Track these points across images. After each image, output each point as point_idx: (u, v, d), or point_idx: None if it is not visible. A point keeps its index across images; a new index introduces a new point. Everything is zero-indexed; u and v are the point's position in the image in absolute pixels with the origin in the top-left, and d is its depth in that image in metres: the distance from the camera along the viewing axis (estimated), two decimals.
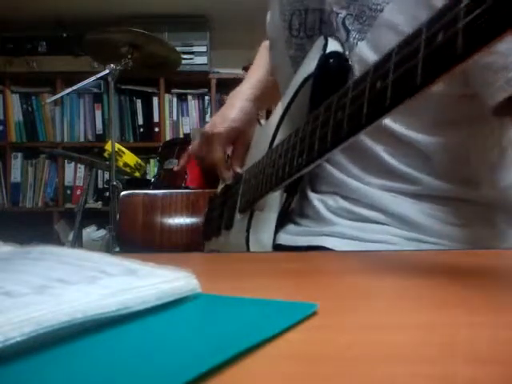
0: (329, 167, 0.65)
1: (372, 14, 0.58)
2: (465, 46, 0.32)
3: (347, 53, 0.60)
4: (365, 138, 0.61)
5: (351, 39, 0.60)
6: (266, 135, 0.72)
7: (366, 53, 0.58)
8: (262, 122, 0.89)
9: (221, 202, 0.87)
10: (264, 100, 0.89)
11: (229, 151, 0.88)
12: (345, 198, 0.63)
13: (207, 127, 0.86)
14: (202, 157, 0.87)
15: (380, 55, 0.57)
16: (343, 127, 0.45)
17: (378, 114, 0.41)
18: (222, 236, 0.82)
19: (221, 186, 0.91)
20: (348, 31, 0.60)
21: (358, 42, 0.59)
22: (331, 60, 0.59)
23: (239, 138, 0.85)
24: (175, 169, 1.51)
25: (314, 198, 0.67)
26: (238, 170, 0.83)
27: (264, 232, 0.68)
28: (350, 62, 0.59)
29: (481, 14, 0.30)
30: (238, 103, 0.85)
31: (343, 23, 0.61)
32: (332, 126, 0.47)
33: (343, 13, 0.61)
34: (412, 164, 0.60)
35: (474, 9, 0.31)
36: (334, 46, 0.60)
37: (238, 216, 0.75)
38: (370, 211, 0.61)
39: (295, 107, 0.64)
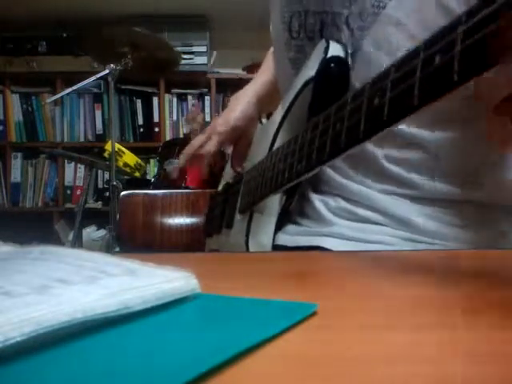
0: (329, 171, 0.65)
1: (374, 11, 0.58)
2: (460, 72, 0.32)
3: (349, 52, 0.60)
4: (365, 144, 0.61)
5: (355, 37, 0.60)
6: (266, 136, 0.72)
7: (369, 50, 0.58)
8: (264, 120, 0.89)
9: (222, 200, 0.87)
10: (267, 102, 0.89)
11: (229, 151, 0.88)
12: (346, 199, 0.63)
13: (208, 129, 0.87)
14: (197, 152, 0.87)
15: (384, 52, 0.57)
16: (341, 139, 0.45)
17: (375, 129, 0.41)
18: (223, 234, 0.82)
19: (222, 184, 0.91)
20: (351, 30, 0.60)
21: (361, 40, 0.59)
22: (332, 65, 0.59)
23: (241, 137, 0.85)
24: (174, 175, 1.51)
25: (315, 198, 0.67)
26: (239, 169, 0.83)
27: (263, 234, 0.68)
28: (351, 63, 0.59)
29: (477, 41, 0.30)
30: (240, 105, 0.86)
31: (346, 22, 0.61)
32: (331, 137, 0.48)
33: (345, 12, 0.61)
34: (413, 168, 0.60)
35: (471, 35, 0.31)
36: (335, 49, 0.60)
37: (237, 216, 0.76)
38: (369, 212, 0.61)
39: (295, 111, 0.64)
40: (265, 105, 0.89)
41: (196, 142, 0.89)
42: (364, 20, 0.59)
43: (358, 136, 0.43)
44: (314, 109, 0.58)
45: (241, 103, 0.87)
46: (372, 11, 0.58)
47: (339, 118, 0.46)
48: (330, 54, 0.59)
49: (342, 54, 0.60)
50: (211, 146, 0.85)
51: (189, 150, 0.91)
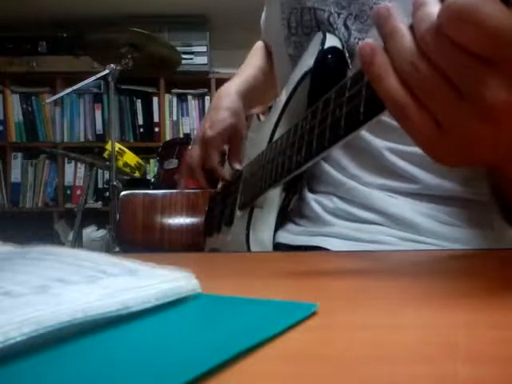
0: (326, 166, 0.65)
1: None
2: None
3: (346, 52, 0.60)
4: (364, 134, 0.61)
5: (352, 39, 0.60)
6: (264, 132, 0.72)
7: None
8: (262, 117, 0.88)
9: (221, 199, 0.87)
10: (252, 97, 0.88)
11: (225, 149, 0.87)
12: (341, 198, 0.63)
13: (198, 134, 0.85)
14: (202, 164, 0.86)
15: None
16: (341, 124, 0.45)
17: (376, 110, 0.41)
18: (223, 232, 0.82)
19: (221, 183, 0.91)
20: (349, 31, 0.60)
21: (360, 42, 0.59)
22: (329, 56, 0.59)
23: (233, 135, 0.84)
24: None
25: (311, 198, 0.67)
26: (238, 166, 0.83)
27: (264, 230, 0.68)
28: (349, 60, 0.59)
29: None
30: (223, 103, 0.83)
31: (344, 23, 0.61)
32: (330, 122, 0.47)
33: (344, 13, 0.61)
34: (416, 161, 0.59)
35: None
36: (332, 41, 0.60)
37: (238, 213, 0.75)
38: (366, 212, 0.61)
39: (294, 103, 0.64)
40: (249, 99, 0.87)
41: (193, 159, 0.87)
42: (363, 22, 0.59)
43: (359, 118, 0.42)
44: (313, 101, 0.58)
45: (225, 100, 0.84)
46: (371, 14, 0.58)
47: (338, 104, 0.46)
48: (326, 46, 0.59)
49: (338, 44, 0.60)
50: (213, 159, 0.83)
51: (190, 170, 0.88)
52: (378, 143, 0.61)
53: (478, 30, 0.28)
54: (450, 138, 0.32)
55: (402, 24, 0.34)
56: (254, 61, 0.92)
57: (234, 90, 0.85)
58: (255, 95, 0.89)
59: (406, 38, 0.33)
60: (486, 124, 0.31)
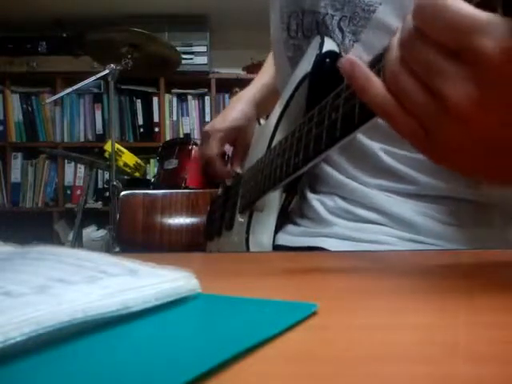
0: (327, 168, 0.65)
1: (365, 15, 0.58)
2: None
3: (343, 53, 0.60)
4: (362, 137, 0.61)
5: (346, 41, 0.60)
6: (264, 135, 0.72)
7: (360, 54, 0.58)
8: (262, 121, 0.89)
9: (222, 203, 0.87)
10: (267, 104, 0.90)
11: (229, 152, 0.88)
12: (343, 198, 0.64)
13: (207, 127, 0.88)
14: (200, 153, 0.88)
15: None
16: (337, 127, 0.45)
17: (371, 113, 0.41)
18: (223, 237, 0.82)
19: (221, 186, 0.91)
20: (343, 33, 0.60)
21: (354, 44, 0.60)
22: (327, 59, 0.60)
23: (239, 138, 0.86)
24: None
25: (313, 198, 0.67)
26: (238, 170, 0.83)
27: (264, 233, 0.68)
28: None
29: None
30: (239, 105, 0.87)
31: (338, 25, 0.61)
32: (327, 125, 0.48)
33: (338, 15, 0.61)
34: (410, 163, 0.60)
35: None
36: (330, 45, 0.60)
37: (238, 217, 0.76)
38: (367, 212, 0.61)
39: (293, 107, 0.64)
40: (265, 105, 0.90)
41: (206, 150, 0.89)
42: (355, 24, 0.59)
43: (354, 122, 0.42)
44: (311, 104, 0.58)
45: (240, 103, 0.88)
46: (363, 15, 0.58)
47: (335, 107, 0.46)
48: (324, 50, 0.59)
49: (336, 48, 0.60)
50: (213, 148, 0.85)
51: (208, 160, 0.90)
52: (374, 145, 0.61)
53: (448, 24, 0.28)
54: (436, 143, 0.32)
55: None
56: (270, 68, 0.94)
57: (251, 96, 0.89)
58: (267, 102, 0.91)
59: (391, 52, 0.34)
60: (455, 123, 0.30)
